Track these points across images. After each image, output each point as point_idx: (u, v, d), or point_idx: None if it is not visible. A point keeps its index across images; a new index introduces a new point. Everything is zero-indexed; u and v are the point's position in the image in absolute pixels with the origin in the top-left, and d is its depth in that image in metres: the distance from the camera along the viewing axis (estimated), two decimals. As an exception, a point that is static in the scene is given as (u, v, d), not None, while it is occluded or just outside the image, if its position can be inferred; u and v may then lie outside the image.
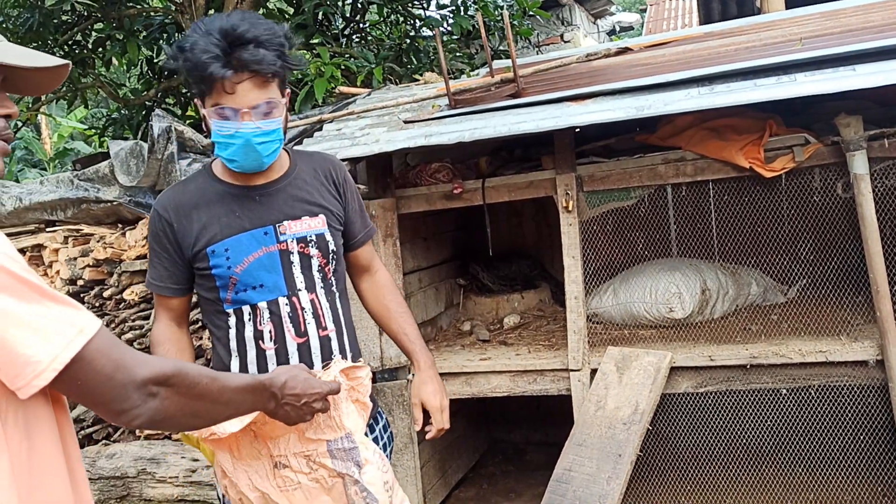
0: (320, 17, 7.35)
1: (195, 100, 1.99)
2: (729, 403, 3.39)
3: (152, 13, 7.51)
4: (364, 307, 2.39)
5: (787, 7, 5.27)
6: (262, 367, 2.02)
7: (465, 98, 3.75)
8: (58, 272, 4.68)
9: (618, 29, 15.04)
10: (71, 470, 1.27)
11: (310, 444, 1.78)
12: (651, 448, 3.29)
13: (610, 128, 3.40)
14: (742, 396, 3.41)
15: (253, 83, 1.87)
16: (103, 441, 4.38)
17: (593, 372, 3.40)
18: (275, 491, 1.78)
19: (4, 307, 1.10)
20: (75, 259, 4.59)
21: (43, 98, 8.08)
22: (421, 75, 5.80)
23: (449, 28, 7.40)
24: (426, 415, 2.26)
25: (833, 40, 3.25)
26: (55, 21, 7.26)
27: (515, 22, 7.34)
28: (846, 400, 3.21)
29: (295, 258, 2.02)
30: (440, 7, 7.68)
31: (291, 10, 7.98)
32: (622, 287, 3.79)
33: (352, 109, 4.19)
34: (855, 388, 3.16)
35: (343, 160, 3.44)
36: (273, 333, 1.99)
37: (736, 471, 3.55)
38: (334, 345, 2.07)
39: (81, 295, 4.60)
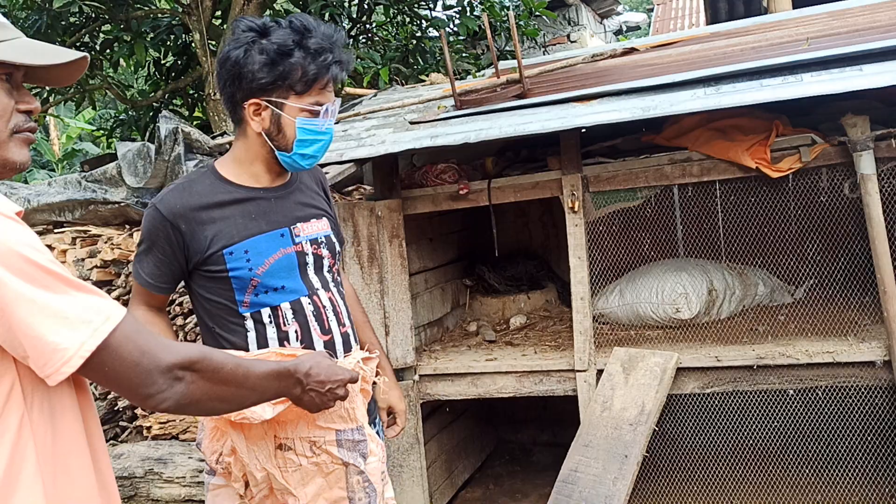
0: (326, 17, 7.37)
1: (258, 97, 1.92)
2: (736, 404, 3.38)
3: (159, 15, 7.54)
4: None
5: (794, 7, 5.26)
6: None
7: (470, 99, 3.76)
8: (66, 273, 4.69)
9: (624, 29, 15.03)
10: (94, 451, 1.31)
11: (317, 431, 1.81)
12: (657, 449, 3.29)
13: (616, 128, 3.40)
14: (749, 397, 3.40)
15: (331, 85, 1.98)
16: (111, 441, 4.40)
17: (599, 372, 3.40)
18: (277, 472, 1.81)
19: (32, 297, 1.14)
20: (83, 260, 4.61)
21: (51, 99, 8.12)
22: (427, 76, 5.81)
23: (455, 29, 7.41)
24: (391, 417, 2.36)
25: (840, 40, 3.24)
26: (63, 23, 7.29)
27: (521, 22, 7.35)
28: (853, 401, 3.20)
29: (310, 259, 2.05)
30: (446, 8, 7.68)
31: (297, 11, 8.00)
32: (628, 287, 3.79)
33: (358, 110, 4.20)
34: (862, 389, 3.15)
35: (349, 161, 3.46)
36: (299, 333, 2.00)
37: (743, 472, 3.54)
38: (352, 341, 2.12)
39: (89, 296, 4.61)
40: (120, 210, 4.52)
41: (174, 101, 8.32)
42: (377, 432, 2.19)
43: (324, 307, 2.04)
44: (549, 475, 3.59)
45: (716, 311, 3.71)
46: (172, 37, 7.51)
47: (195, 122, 7.93)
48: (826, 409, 3.24)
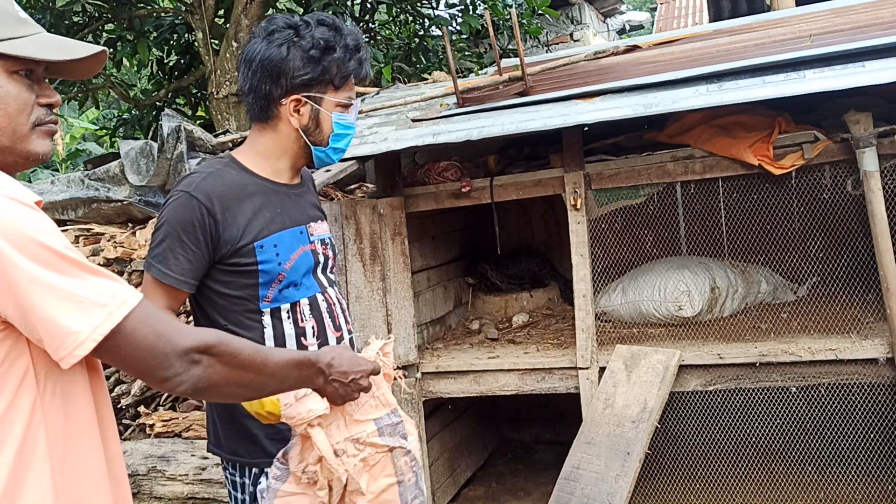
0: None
1: (300, 93, 1.93)
2: (738, 402, 3.38)
3: (162, 14, 7.55)
4: None
5: (797, 4, 5.25)
6: None
7: (473, 96, 3.76)
8: (69, 271, 4.70)
9: (628, 28, 14.99)
10: (104, 438, 1.33)
11: (356, 427, 1.79)
12: (660, 446, 3.29)
13: (618, 126, 3.40)
14: (751, 395, 3.40)
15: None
16: (114, 439, 4.41)
17: (602, 370, 3.40)
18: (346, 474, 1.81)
19: (48, 281, 1.16)
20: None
21: (54, 99, 8.11)
22: (429, 74, 5.81)
23: (458, 28, 7.41)
24: None
25: (842, 37, 3.24)
26: (66, 22, 7.30)
27: (524, 21, 7.34)
28: (856, 398, 3.19)
29: (320, 258, 2.07)
30: (449, 6, 7.68)
31: (301, 10, 8.01)
32: (631, 285, 3.79)
33: (360, 108, 4.20)
34: (865, 386, 3.15)
35: (351, 159, 3.46)
36: (316, 329, 2.01)
37: (745, 469, 3.54)
38: (355, 337, 2.16)
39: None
40: (123, 208, 4.52)
41: (177, 100, 8.32)
42: None
43: (333, 304, 2.07)
44: (551, 473, 3.59)
45: (718, 308, 3.71)
46: (175, 36, 7.52)
47: (198, 122, 7.94)
48: (829, 407, 3.24)
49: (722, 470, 3.44)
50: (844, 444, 3.28)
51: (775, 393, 3.37)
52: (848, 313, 3.39)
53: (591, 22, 11.77)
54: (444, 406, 4.23)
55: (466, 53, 7.29)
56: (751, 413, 3.49)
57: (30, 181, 9.96)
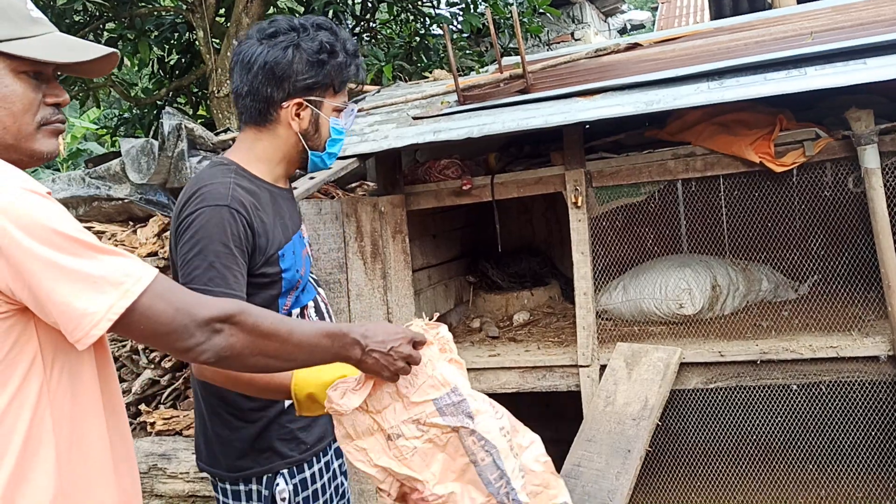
0: (330, 15, 7.37)
1: (301, 96, 1.89)
2: (739, 400, 3.37)
3: (163, 13, 7.55)
4: None
5: (798, 2, 5.25)
6: None
7: (473, 94, 3.76)
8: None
9: (629, 27, 14.99)
10: (112, 408, 1.35)
11: (415, 408, 1.73)
12: (660, 444, 3.28)
13: (619, 123, 3.40)
14: (752, 392, 3.39)
15: None
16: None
17: (602, 368, 3.39)
18: (395, 463, 1.75)
19: (62, 264, 1.17)
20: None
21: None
22: (430, 73, 5.81)
23: (459, 26, 7.40)
24: None
25: (844, 34, 3.24)
26: (67, 21, 7.30)
27: (525, 19, 7.34)
28: (857, 396, 3.19)
29: (311, 261, 2.08)
30: (450, 4, 7.68)
31: (302, 9, 8.01)
32: (632, 283, 3.78)
33: (361, 106, 4.20)
34: (866, 384, 3.14)
35: (352, 156, 3.46)
36: None
37: (746, 467, 3.53)
38: None
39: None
40: (124, 206, 4.52)
41: (178, 99, 8.32)
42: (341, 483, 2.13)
43: (327, 303, 2.07)
44: (552, 471, 3.58)
45: (719, 306, 3.70)
46: (176, 35, 7.51)
47: (199, 120, 7.94)
48: (829, 404, 3.23)
49: (723, 467, 3.44)
50: (845, 442, 3.27)
51: (776, 390, 3.36)
52: (849, 311, 3.39)
53: (593, 21, 11.77)
54: (445, 404, 4.23)
55: (467, 52, 7.29)
56: (752, 411, 3.48)
57: (31, 180, 9.93)
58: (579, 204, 3.43)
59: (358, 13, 7.90)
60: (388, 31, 8.21)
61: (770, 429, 3.54)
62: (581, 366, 3.43)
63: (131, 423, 4.44)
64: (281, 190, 2.00)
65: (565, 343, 3.72)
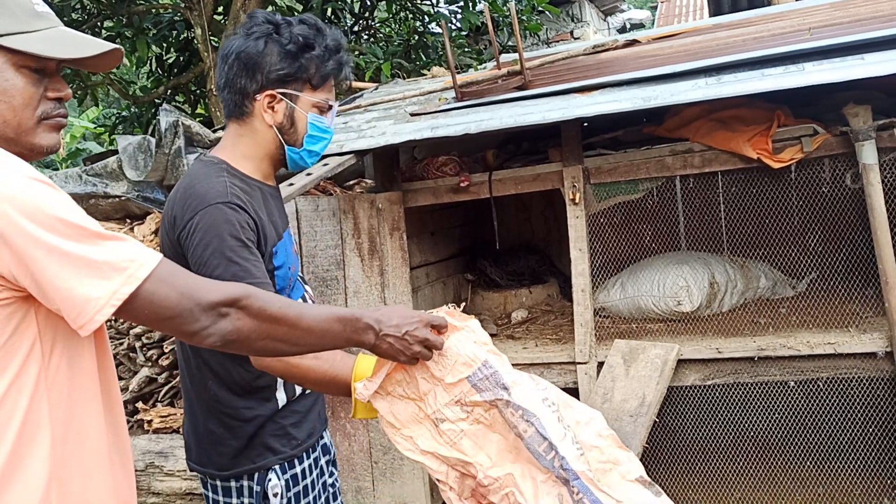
0: (329, 13, 7.36)
1: (274, 88, 1.86)
2: (736, 396, 3.37)
3: (161, 10, 7.54)
4: None
5: (797, -1, 5.24)
6: None
7: (471, 90, 3.75)
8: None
9: (628, 26, 14.99)
10: (108, 397, 1.36)
11: (454, 389, 1.69)
12: (658, 440, 3.28)
13: (617, 120, 3.39)
14: (750, 389, 3.39)
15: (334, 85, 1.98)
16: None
17: (600, 365, 3.39)
18: (444, 448, 1.72)
19: (66, 250, 1.18)
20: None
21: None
22: (428, 70, 5.80)
23: (457, 24, 7.40)
24: None
25: (842, 30, 3.23)
26: (65, 19, 7.29)
27: (524, 17, 7.33)
28: (855, 392, 3.19)
29: (298, 259, 2.09)
30: (448, 2, 7.67)
31: (300, 7, 8.00)
32: (630, 280, 3.78)
33: (359, 103, 4.19)
34: (864, 381, 3.14)
35: (349, 152, 3.45)
36: None
37: (743, 463, 3.53)
38: None
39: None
40: (121, 204, 4.51)
41: (176, 97, 8.31)
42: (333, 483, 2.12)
43: (314, 300, 2.08)
44: (549, 468, 3.57)
45: (717, 304, 3.70)
46: (174, 32, 7.50)
47: (197, 118, 7.93)
48: (827, 401, 3.23)
49: (720, 464, 3.43)
50: (843, 438, 3.27)
51: (774, 387, 3.36)
52: (847, 308, 3.38)
53: (592, 20, 11.77)
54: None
55: (466, 50, 7.28)
56: (749, 407, 3.48)
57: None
58: (577, 201, 3.43)
59: (357, 11, 7.89)
60: (387, 28, 8.21)
61: (767, 425, 3.54)
62: (579, 363, 3.43)
63: (128, 421, 4.43)
64: (270, 188, 1.99)
65: (563, 340, 3.72)
